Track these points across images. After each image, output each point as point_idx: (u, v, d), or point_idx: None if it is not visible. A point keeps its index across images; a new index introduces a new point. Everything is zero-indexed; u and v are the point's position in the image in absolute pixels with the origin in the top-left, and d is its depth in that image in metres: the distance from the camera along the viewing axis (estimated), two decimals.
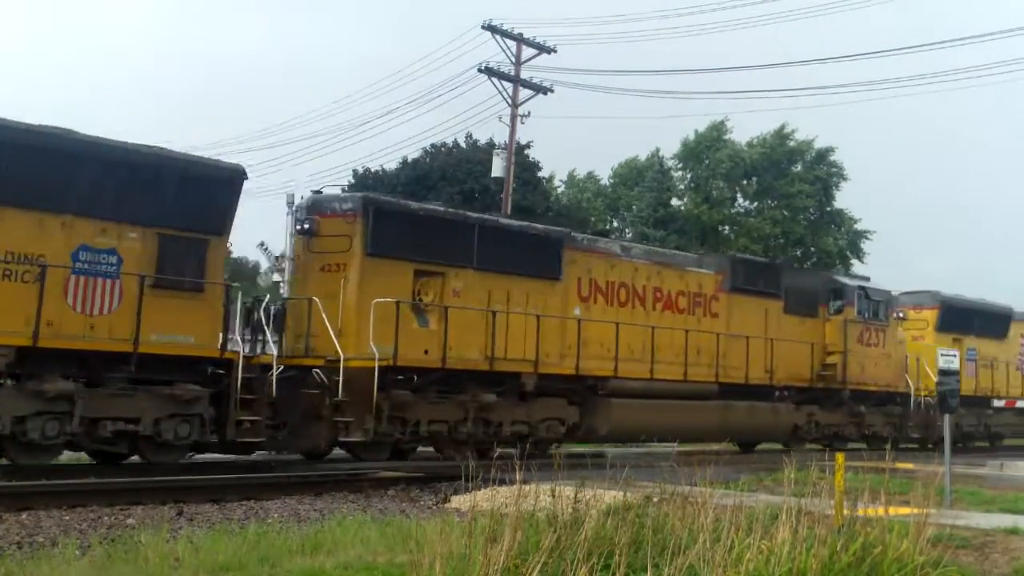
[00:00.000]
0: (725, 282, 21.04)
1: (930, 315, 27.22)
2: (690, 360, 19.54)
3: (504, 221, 18.21)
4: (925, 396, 24.69)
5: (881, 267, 53.40)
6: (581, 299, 18.19)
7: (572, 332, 17.63)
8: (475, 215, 17.47)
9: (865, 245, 49.41)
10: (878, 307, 24.37)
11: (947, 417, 12.06)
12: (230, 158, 14.54)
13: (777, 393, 21.64)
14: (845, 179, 49.09)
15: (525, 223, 18.35)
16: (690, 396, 19.37)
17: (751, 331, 20.99)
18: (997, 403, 28.46)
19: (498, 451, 16.61)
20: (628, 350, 18.41)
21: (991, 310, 29.49)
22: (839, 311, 23.48)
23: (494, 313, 16.38)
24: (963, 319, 27.68)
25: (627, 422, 18.14)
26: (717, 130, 48.27)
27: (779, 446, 23.03)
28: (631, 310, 18.96)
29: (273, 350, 14.68)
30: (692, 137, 48.75)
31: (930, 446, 23.73)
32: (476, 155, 35.81)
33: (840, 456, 7.93)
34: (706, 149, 48.17)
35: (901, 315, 25.80)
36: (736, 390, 20.61)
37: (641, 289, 19.35)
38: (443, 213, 16.95)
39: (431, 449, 17.19)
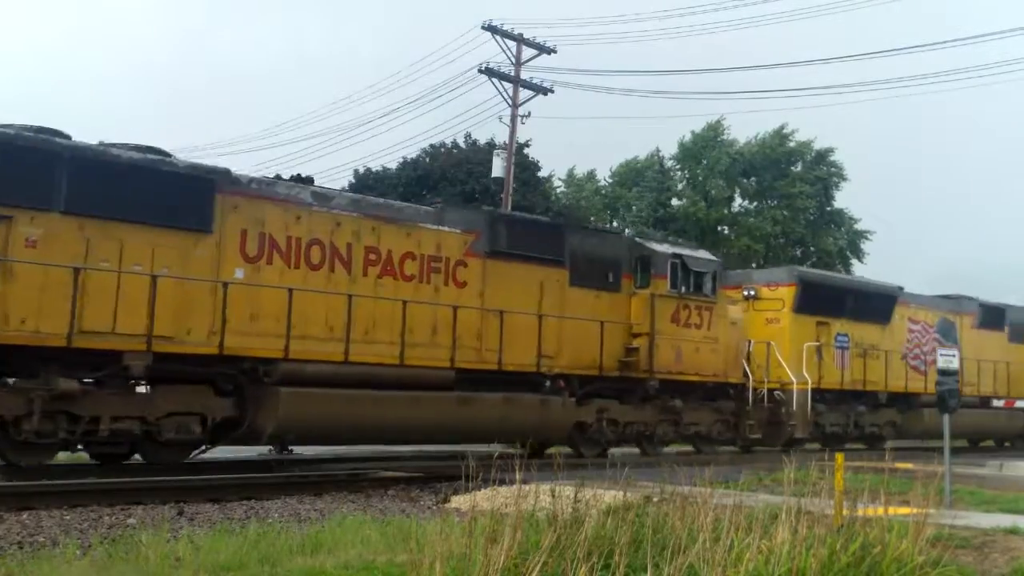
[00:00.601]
0: (479, 244, 16.52)
1: (787, 293, 23.02)
2: (414, 340, 15.25)
3: (116, 152, 13.15)
4: (774, 389, 21.40)
5: (881, 267, 53.45)
6: (246, 259, 13.94)
7: (222, 301, 13.42)
8: (65, 142, 12.74)
9: (865, 246, 49.49)
10: (702, 280, 19.74)
11: (946, 417, 12.07)
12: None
13: (548, 383, 17.10)
14: (845, 179, 49.16)
15: (155, 157, 13.48)
16: (412, 385, 15.20)
17: (517, 305, 16.63)
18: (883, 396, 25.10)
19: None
20: (314, 326, 14.31)
21: (868, 290, 25.85)
22: (646, 284, 18.89)
23: (76, 270, 12.19)
24: (830, 299, 23.92)
25: (308, 418, 14.05)
26: (714, 130, 48.30)
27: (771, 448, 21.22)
28: (327, 275, 14.68)
29: None
30: (689, 138, 48.80)
31: (780, 448, 20.39)
32: (476, 155, 35.84)
33: (840, 456, 7.95)
34: (703, 149, 48.21)
35: (751, 293, 22.81)
36: (491, 378, 16.31)
37: (345, 249, 14.95)
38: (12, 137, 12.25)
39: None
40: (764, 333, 22.25)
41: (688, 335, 19.40)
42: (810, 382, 22.11)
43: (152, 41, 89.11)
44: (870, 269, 47.61)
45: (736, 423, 20.72)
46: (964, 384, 24.12)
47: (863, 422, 24.54)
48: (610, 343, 18.06)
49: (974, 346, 26.49)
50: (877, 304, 25.18)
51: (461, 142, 37.77)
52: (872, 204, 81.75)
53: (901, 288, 26.37)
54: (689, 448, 20.78)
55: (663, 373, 18.83)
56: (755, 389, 20.80)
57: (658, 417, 19.17)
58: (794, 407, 21.66)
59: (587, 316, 17.73)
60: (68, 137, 12.88)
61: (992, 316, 28.88)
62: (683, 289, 19.35)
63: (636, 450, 19.42)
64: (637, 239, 20.53)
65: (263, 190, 14.54)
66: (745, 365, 20.92)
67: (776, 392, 21.58)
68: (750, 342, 21.48)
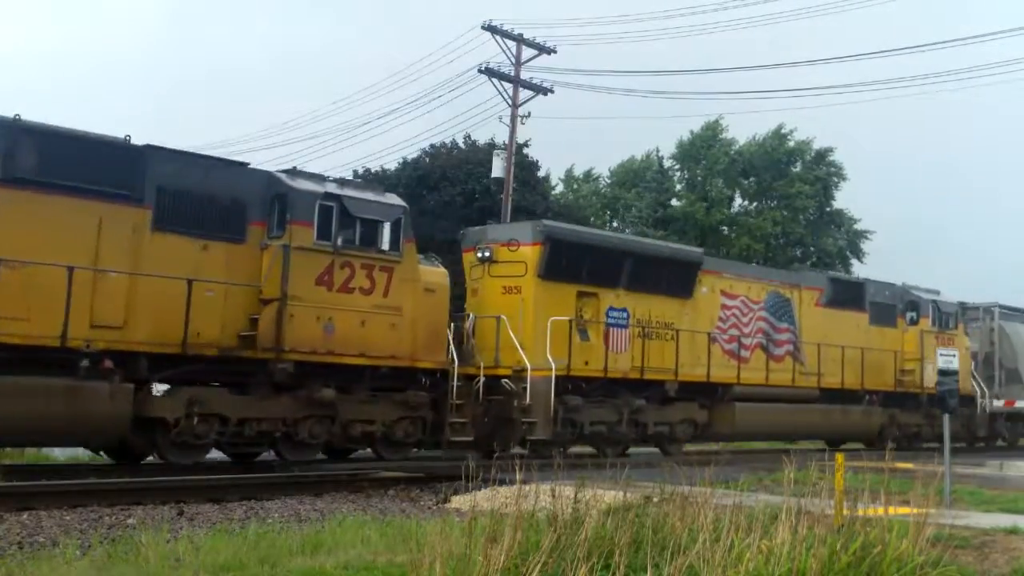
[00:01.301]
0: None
1: (531, 255, 17.64)
2: None
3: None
4: (505, 376, 16.93)
5: (885, 267, 53.36)
6: None
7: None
8: None
9: (866, 245, 49.53)
10: (375, 231, 15.04)
11: (947, 417, 12.06)
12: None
13: (87, 363, 12.43)
14: (844, 179, 49.20)
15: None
16: None
17: (49, 255, 12.16)
18: (670, 387, 19.54)
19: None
20: None
21: (657, 254, 20.21)
22: (282, 233, 14.31)
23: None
24: (599, 264, 18.46)
25: None
26: (712, 130, 48.32)
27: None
28: None
29: None
30: (687, 138, 48.83)
31: (506, 454, 16.55)
32: (476, 155, 35.81)
33: (840, 456, 7.94)
34: (701, 149, 48.23)
35: (486, 254, 17.75)
36: None
37: None
38: None
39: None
40: (500, 305, 17.41)
41: (348, 303, 14.73)
42: (555, 368, 16.83)
43: (152, 41, 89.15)
44: (872, 270, 47.63)
45: (435, 421, 16.01)
46: (798, 372, 22.42)
47: (644, 420, 18.97)
48: (222, 310, 13.70)
49: (820, 328, 23.03)
50: (672, 273, 19.89)
51: (461, 142, 37.76)
52: (871, 204, 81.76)
53: (703, 253, 22.04)
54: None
55: (303, 352, 14.23)
56: (471, 377, 16.43)
57: (301, 412, 14.57)
58: (528, 400, 16.59)
59: (179, 274, 13.30)
60: None
61: (846, 293, 24.39)
62: (339, 241, 14.68)
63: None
64: (274, 173, 14.87)
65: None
66: (452, 346, 16.17)
67: (504, 381, 17.04)
68: (471, 316, 17.32)
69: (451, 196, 33.04)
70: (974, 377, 26.68)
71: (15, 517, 9.62)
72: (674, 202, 49.35)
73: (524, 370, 16.70)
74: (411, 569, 5.93)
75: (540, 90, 31.08)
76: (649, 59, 76.14)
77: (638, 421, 18.95)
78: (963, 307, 28.33)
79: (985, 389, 26.81)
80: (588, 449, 19.02)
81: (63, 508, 10.27)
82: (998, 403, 27.74)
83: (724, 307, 21.21)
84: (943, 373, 12.28)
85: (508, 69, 30.68)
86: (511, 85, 30.75)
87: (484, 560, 5.68)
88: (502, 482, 8.80)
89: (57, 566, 6.89)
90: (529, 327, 17.20)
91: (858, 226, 49.60)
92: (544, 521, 6.59)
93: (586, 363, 18.02)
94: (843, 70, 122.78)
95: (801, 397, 22.33)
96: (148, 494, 11.28)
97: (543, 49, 30.93)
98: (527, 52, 30.85)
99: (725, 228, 48.36)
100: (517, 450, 17.07)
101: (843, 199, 49.52)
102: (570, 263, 18.05)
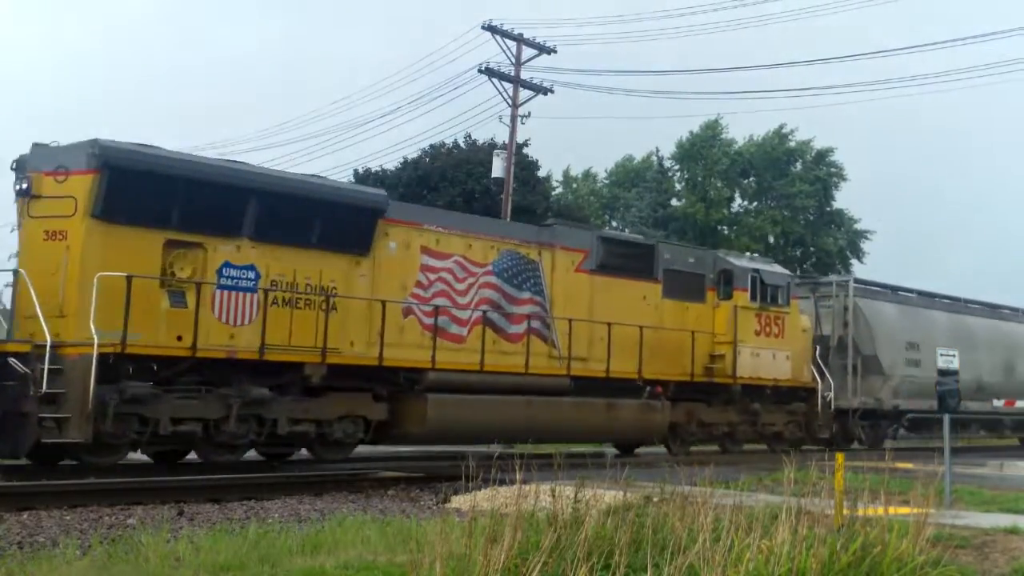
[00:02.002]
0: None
1: (82, 187, 12.86)
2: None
3: None
4: (9, 355, 11.86)
5: (889, 266, 53.47)
6: None
7: None
8: None
9: (866, 245, 49.54)
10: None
11: (946, 417, 12.07)
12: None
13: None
14: (845, 179, 49.21)
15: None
16: None
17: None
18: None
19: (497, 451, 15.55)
20: None
21: (308, 194, 14.72)
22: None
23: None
24: (202, 204, 13.56)
25: None
26: (712, 129, 48.33)
27: None
28: None
29: None
30: (687, 138, 48.83)
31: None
32: (476, 155, 35.83)
33: (840, 456, 7.95)
34: (701, 149, 48.25)
35: (23, 186, 13.07)
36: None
37: None
38: None
39: None
40: (40, 258, 12.87)
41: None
42: (97, 342, 12.02)
43: (152, 40, 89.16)
44: (875, 270, 47.66)
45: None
46: (550, 356, 17.26)
47: (272, 416, 14.05)
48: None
49: (583, 300, 17.93)
50: (334, 220, 14.78)
51: (461, 142, 37.79)
52: (871, 204, 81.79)
53: (385, 197, 16.17)
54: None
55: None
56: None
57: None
58: (45, 387, 11.80)
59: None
60: None
61: (627, 257, 19.17)
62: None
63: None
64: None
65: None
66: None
67: (12, 360, 11.85)
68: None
69: (451, 196, 33.07)
70: (817, 365, 22.33)
71: (15, 517, 9.61)
72: (674, 202, 49.36)
73: (46, 346, 11.80)
74: (411, 569, 5.93)
75: (540, 90, 31.09)
76: (649, 59, 76.24)
77: (263, 417, 13.95)
78: (813, 282, 25.34)
79: (830, 380, 22.29)
80: (590, 449, 18.94)
81: (63, 508, 10.26)
82: (854, 398, 23.43)
83: (426, 269, 16.04)
84: (942, 373, 12.29)
85: (508, 69, 30.71)
86: (511, 85, 30.76)
87: (484, 560, 5.68)
88: (502, 482, 8.81)
89: (57, 566, 6.89)
90: (74, 287, 12.54)
91: (858, 226, 49.63)
92: (544, 521, 6.59)
93: (179, 338, 13.18)
94: (843, 70, 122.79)
95: (540, 387, 16.90)
96: (148, 494, 11.27)
97: (543, 49, 30.94)
98: (527, 52, 30.87)
99: (725, 228, 48.37)
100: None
101: (843, 199, 49.60)
102: (150, 201, 13.12)
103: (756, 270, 21.05)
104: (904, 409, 23.99)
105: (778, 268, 22.76)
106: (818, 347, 22.60)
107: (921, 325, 24.95)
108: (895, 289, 27.00)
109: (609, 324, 17.87)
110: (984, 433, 28.63)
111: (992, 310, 29.82)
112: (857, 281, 25.39)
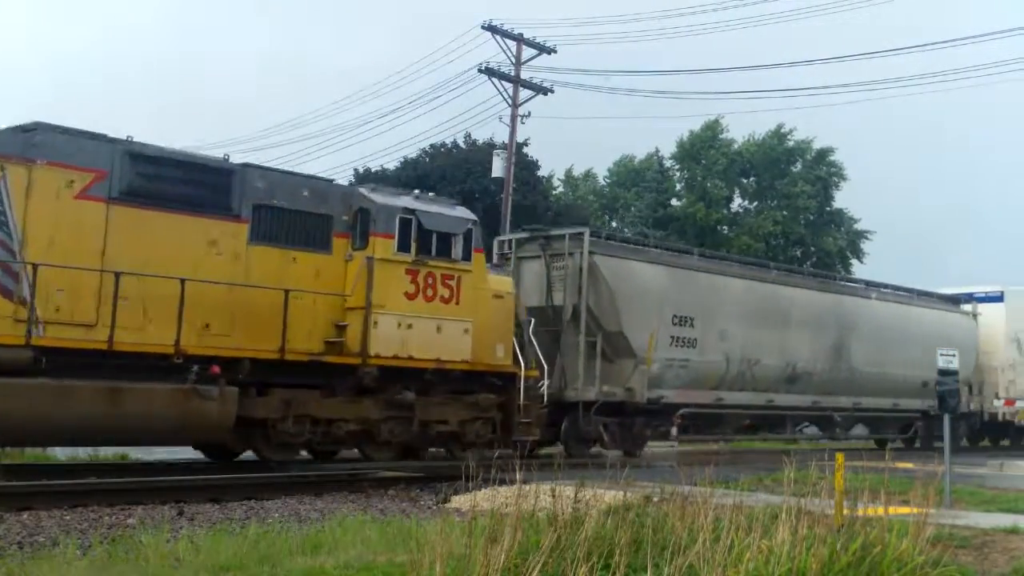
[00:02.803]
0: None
1: None
2: None
3: None
4: None
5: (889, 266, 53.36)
6: None
7: None
8: None
9: (866, 246, 49.52)
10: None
11: (947, 417, 12.07)
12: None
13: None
14: (845, 179, 49.19)
15: None
16: None
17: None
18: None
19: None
20: None
21: None
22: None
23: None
24: None
25: None
26: (712, 129, 48.33)
27: None
28: None
29: None
30: (686, 137, 48.83)
31: None
32: (476, 155, 35.85)
33: (840, 456, 7.95)
34: (701, 149, 48.25)
35: None
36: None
37: None
38: None
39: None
40: None
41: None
42: None
43: (152, 40, 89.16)
44: (875, 270, 47.64)
45: None
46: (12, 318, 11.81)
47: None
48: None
49: (89, 238, 12.46)
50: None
51: (461, 142, 37.81)
52: (871, 204, 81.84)
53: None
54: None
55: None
56: None
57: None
58: None
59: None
60: None
61: (183, 183, 13.47)
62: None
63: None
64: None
65: None
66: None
67: None
68: None
69: (451, 196, 33.05)
70: (531, 343, 16.82)
71: (15, 517, 9.62)
72: (674, 202, 49.36)
73: None
74: (411, 569, 5.93)
75: (540, 90, 31.09)
76: (649, 59, 76.23)
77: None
78: (544, 236, 18.88)
79: (543, 363, 16.82)
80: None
81: (63, 508, 10.27)
82: (589, 387, 17.71)
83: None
84: (942, 373, 12.28)
85: (508, 69, 30.72)
86: (511, 85, 30.77)
87: (484, 560, 5.68)
88: (502, 482, 8.81)
89: (57, 566, 6.89)
90: None
91: (858, 226, 49.62)
92: (544, 521, 6.59)
93: None
94: (843, 70, 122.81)
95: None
96: (148, 494, 11.28)
97: (543, 49, 30.94)
98: (527, 52, 30.89)
99: (725, 228, 48.36)
100: None
101: (843, 199, 49.56)
102: None
103: (410, 210, 15.01)
104: (674, 403, 18.94)
105: (458, 211, 16.16)
106: (532, 320, 17.09)
107: (699, 294, 19.69)
108: (662, 247, 21.25)
109: (117, 274, 12.29)
110: (815, 433, 23.89)
111: (819, 280, 24.45)
112: (596, 234, 19.21)
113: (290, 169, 15.23)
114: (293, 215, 14.33)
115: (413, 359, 14.87)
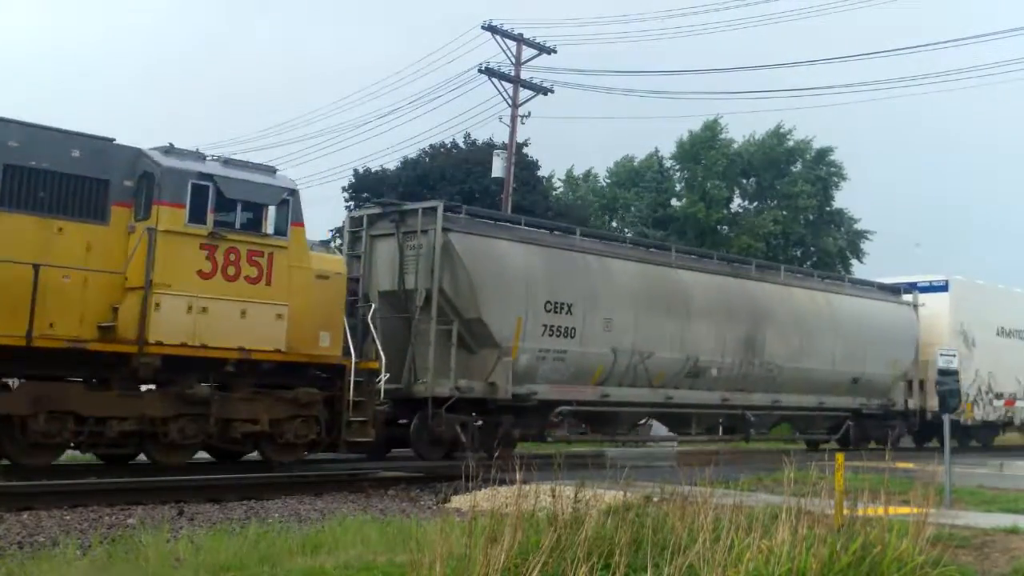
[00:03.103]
0: None
1: None
2: None
3: None
4: None
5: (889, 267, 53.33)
6: None
7: None
8: None
9: (865, 245, 49.51)
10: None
11: (947, 417, 12.07)
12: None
13: None
14: (845, 179, 49.18)
15: None
16: None
17: None
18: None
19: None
20: None
21: None
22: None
23: None
24: None
25: None
26: (711, 129, 48.33)
27: None
28: None
29: None
30: (686, 137, 48.83)
31: None
32: (476, 155, 35.85)
33: (840, 456, 7.95)
34: (701, 149, 48.24)
35: None
36: None
37: None
38: None
39: None
40: None
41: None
42: None
43: (152, 40, 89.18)
44: (876, 270, 47.62)
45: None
46: None
47: None
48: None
49: None
50: None
51: (461, 142, 37.80)
52: (871, 204, 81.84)
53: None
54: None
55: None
56: None
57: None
58: None
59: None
60: None
61: None
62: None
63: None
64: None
65: None
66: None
67: None
68: None
69: (451, 196, 33.08)
70: (367, 329, 14.89)
71: (15, 517, 9.62)
72: (674, 202, 49.36)
73: None
74: (411, 569, 5.93)
75: (540, 90, 31.08)
76: (649, 59, 76.22)
77: None
78: (397, 211, 16.43)
79: (381, 353, 14.53)
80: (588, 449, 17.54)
81: (63, 508, 10.27)
82: (442, 381, 15.43)
83: None
84: (942, 373, 12.29)
85: (508, 69, 30.70)
86: (511, 85, 30.76)
87: (484, 560, 5.69)
88: (502, 482, 8.81)
89: (57, 566, 6.90)
90: None
91: (858, 226, 49.61)
92: (544, 521, 6.59)
93: None
94: (844, 70, 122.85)
95: None
96: (148, 494, 11.28)
97: (543, 49, 30.93)
98: (527, 52, 30.87)
99: (725, 228, 48.35)
100: None
101: (843, 199, 49.54)
102: None
103: (206, 175, 12.91)
104: (549, 399, 16.71)
105: (275, 178, 13.92)
106: (373, 306, 15.24)
107: (580, 278, 17.28)
108: (538, 226, 18.47)
109: None
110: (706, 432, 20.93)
111: (728, 264, 21.69)
112: (454, 208, 16.61)
113: (59, 126, 12.49)
114: (58, 178, 12.11)
115: (208, 348, 12.65)
